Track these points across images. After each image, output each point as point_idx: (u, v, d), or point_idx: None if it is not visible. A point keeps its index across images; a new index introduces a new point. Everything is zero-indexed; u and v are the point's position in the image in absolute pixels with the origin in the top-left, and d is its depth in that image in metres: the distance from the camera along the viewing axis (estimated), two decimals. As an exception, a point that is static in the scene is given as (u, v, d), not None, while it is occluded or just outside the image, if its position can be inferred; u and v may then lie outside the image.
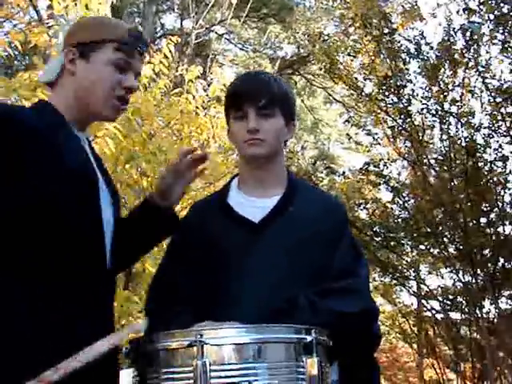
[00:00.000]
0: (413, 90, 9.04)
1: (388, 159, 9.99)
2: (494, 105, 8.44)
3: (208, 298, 1.66)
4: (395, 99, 9.09)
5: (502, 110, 8.40)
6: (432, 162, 9.30)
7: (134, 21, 13.82)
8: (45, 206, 1.46)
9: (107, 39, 1.62)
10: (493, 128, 8.54)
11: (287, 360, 1.27)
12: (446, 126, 8.85)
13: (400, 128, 9.26)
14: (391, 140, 9.72)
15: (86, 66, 1.62)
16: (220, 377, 1.20)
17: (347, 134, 12.25)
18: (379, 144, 10.37)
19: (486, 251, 8.90)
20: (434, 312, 10.56)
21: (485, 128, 8.61)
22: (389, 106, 9.24)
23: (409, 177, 10.67)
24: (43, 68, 4.71)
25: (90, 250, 1.53)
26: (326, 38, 10.78)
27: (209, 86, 6.02)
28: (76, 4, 4.93)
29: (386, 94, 9.14)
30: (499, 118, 8.42)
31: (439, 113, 8.86)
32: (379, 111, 9.43)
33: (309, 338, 1.28)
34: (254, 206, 1.78)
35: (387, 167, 9.78)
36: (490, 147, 8.60)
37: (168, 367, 1.26)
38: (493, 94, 8.44)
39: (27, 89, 4.57)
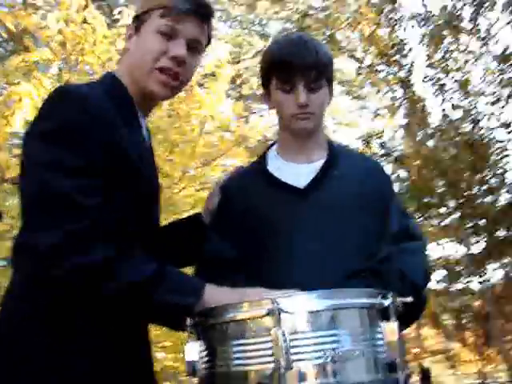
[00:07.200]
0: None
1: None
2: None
3: (257, 267, 1.61)
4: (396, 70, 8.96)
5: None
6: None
7: None
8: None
9: (153, 7, 1.50)
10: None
11: (365, 326, 1.19)
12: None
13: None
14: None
15: (136, 40, 1.53)
16: (298, 346, 1.12)
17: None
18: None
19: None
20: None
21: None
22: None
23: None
24: (35, 50, 4.58)
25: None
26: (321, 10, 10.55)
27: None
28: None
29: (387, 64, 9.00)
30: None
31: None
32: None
33: (386, 303, 1.20)
34: (296, 172, 1.73)
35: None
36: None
37: (240, 339, 1.17)
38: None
39: (21, 71, 4.46)
